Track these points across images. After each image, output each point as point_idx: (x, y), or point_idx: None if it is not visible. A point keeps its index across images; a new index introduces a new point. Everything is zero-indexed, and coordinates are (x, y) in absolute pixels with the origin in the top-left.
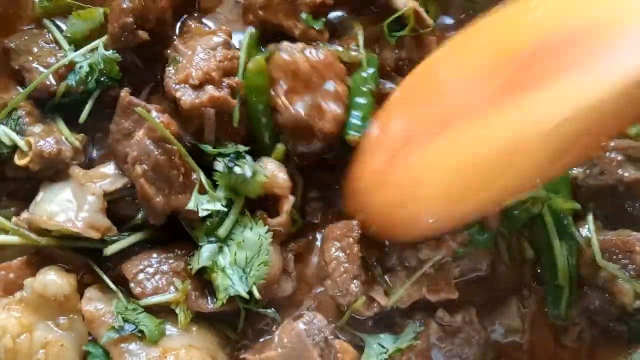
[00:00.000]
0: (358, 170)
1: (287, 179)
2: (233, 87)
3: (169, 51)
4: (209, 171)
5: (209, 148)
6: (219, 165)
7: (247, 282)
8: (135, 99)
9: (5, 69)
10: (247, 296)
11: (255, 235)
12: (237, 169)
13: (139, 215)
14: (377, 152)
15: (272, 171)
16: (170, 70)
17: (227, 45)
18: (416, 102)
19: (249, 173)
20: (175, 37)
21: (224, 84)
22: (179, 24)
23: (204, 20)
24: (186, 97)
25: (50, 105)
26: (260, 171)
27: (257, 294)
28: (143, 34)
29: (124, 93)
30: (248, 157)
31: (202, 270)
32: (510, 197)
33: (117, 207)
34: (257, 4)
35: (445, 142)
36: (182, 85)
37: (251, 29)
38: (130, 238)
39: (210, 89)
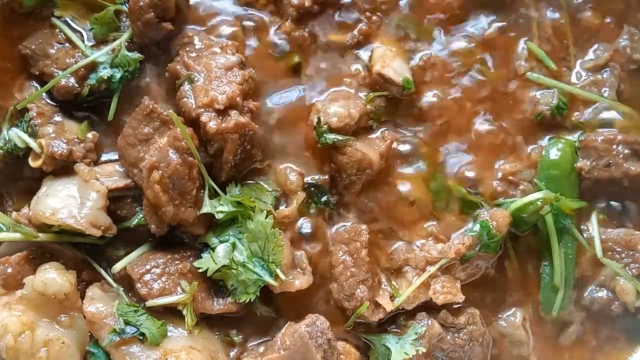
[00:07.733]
0: None
1: (298, 178)
2: (253, 111)
3: (178, 67)
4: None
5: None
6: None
7: (270, 270)
8: (158, 107)
9: (23, 72)
10: (276, 284)
11: (258, 223)
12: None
13: (134, 222)
14: None
15: (284, 171)
16: (186, 89)
17: (243, 65)
18: None
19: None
20: (179, 50)
21: (245, 108)
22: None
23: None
24: (212, 123)
25: (74, 105)
26: None
27: (282, 275)
28: (167, 25)
29: (147, 101)
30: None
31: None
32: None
33: (115, 205)
34: None
35: None
36: (207, 109)
37: None
38: (138, 250)
39: (234, 115)
